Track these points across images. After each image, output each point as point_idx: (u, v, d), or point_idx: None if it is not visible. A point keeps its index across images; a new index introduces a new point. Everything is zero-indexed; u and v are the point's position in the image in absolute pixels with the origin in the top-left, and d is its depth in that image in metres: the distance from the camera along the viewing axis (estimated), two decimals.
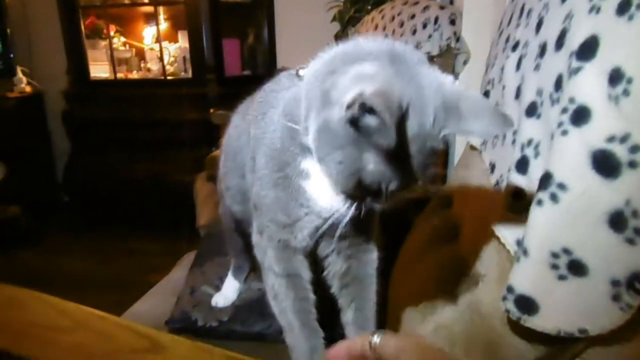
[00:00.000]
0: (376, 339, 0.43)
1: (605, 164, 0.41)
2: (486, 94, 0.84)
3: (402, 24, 1.71)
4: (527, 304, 0.45)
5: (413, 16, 1.66)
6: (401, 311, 0.72)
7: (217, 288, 0.92)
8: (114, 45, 2.85)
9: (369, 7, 2.31)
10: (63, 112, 2.89)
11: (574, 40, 0.48)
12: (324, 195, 0.51)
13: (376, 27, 1.93)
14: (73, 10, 2.74)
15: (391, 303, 0.76)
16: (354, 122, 0.40)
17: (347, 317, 0.59)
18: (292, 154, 0.50)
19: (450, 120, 0.43)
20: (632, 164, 0.39)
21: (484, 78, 0.92)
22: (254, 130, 0.57)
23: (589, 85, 0.43)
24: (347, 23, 2.45)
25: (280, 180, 0.52)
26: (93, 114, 2.79)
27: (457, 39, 1.55)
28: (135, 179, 2.69)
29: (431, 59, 1.56)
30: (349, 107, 0.39)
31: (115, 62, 2.82)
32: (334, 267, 0.59)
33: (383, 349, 0.42)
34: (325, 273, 0.60)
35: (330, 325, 0.58)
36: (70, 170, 2.92)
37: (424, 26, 1.58)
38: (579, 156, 0.42)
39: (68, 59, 2.82)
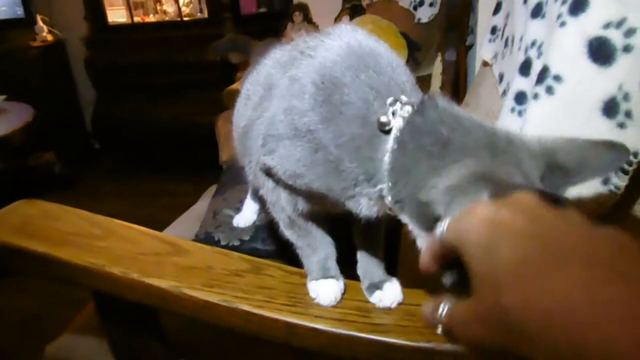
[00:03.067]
0: (441, 229, 0.34)
1: (600, 52, 0.41)
2: (498, 5, 0.82)
3: None
4: None
5: None
6: None
7: (238, 210, 0.96)
8: None
9: None
10: (85, 59, 2.93)
11: None
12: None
13: None
14: None
15: None
16: None
17: (356, 226, 0.60)
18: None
19: (559, 180, 0.36)
20: (626, 48, 0.39)
21: None
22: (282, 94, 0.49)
23: None
24: None
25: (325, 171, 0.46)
26: (114, 59, 2.82)
27: None
28: (159, 122, 2.75)
29: None
30: None
31: (131, 5, 2.80)
32: None
33: (449, 237, 0.33)
34: None
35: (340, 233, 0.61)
36: (97, 118, 3.00)
37: None
38: (575, 46, 0.42)
39: (85, 5, 2.82)
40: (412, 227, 0.40)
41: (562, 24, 0.44)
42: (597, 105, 0.41)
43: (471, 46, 1.68)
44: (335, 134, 0.43)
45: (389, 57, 0.45)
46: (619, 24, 0.39)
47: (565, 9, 0.44)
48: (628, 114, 0.39)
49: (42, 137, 2.63)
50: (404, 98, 0.41)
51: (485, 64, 0.88)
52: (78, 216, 0.62)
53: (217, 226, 0.95)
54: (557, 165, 0.35)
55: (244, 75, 0.86)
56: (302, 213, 0.54)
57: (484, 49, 0.84)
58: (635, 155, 0.39)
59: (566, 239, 0.26)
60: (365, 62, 0.43)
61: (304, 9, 2.61)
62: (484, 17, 1.56)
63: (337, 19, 2.70)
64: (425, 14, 1.56)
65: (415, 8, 1.60)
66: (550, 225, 0.27)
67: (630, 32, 0.39)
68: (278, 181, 0.53)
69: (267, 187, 0.57)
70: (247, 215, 0.94)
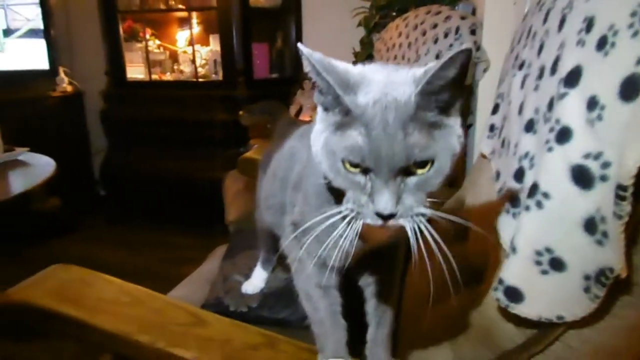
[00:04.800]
0: None
1: (581, 177, 0.48)
2: (496, 106, 0.92)
3: (424, 33, 1.78)
4: (514, 294, 0.53)
5: (435, 25, 1.73)
6: (413, 305, 0.80)
7: (247, 277, 1.01)
8: (149, 48, 3.00)
9: (394, 14, 2.38)
10: (101, 111, 3.06)
11: (564, 68, 0.55)
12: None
13: (400, 35, 2.01)
14: (112, 15, 2.90)
15: (405, 297, 0.84)
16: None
17: (369, 307, 0.66)
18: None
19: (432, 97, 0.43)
20: (603, 178, 0.46)
21: (496, 91, 0.99)
22: (305, 156, 0.60)
23: (571, 109, 0.51)
24: (372, 29, 2.52)
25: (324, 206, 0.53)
26: (129, 113, 2.95)
27: (478, 48, 1.62)
28: (167, 175, 2.83)
29: None
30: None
31: (150, 64, 2.96)
32: (362, 272, 0.65)
33: None
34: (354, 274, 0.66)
35: (354, 313, 0.66)
36: (106, 166, 3.09)
37: (445, 35, 1.65)
38: (561, 170, 0.50)
39: (107, 61, 2.98)
40: None
41: (550, 149, 0.52)
42: (579, 222, 0.48)
43: (471, 125, 1.80)
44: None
45: None
46: (597, 157, 0.47)
47: (552, 136, 0.52)
48: (604, 234, 0.46)
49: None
50: None
51: (483, 156, 0.97)
52: (109, 283, 0.68)
53: (227, 291, 0.99)
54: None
55: (265, 149, 0.95)
56: (331, 270, 0.60)
57: (483, 144, 0.92)
58: (611, 270, 0.45)
59: None
60: None
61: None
62: (483, 102, 1.68)
63: None
64: None
65: None
66: None
67: (606, 165, 0.46)
68: (305, 240, 0.58)
69: (294, 257, 0.63)
70: (255, 282, 0.99)
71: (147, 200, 2.99)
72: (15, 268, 1.16)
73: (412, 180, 0.44)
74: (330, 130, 0.46)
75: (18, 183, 1.52)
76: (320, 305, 0.61)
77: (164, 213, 2.95)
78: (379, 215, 0.43)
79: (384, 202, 0.42)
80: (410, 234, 0.44)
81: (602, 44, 0.49)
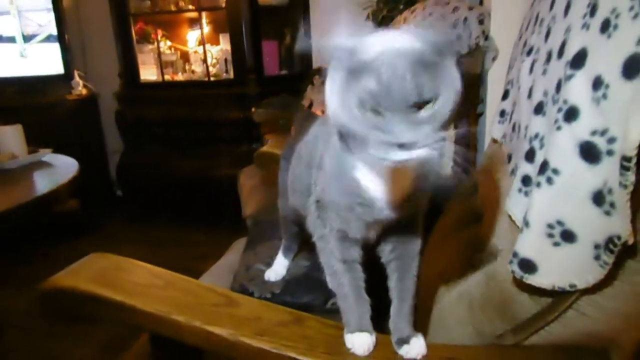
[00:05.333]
0: None
1: (589, 153, 0.51)
2: (506, 92, 0.94)
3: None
4: (528, 265, 0.56)
5: (443, 17, 1.75)
6: (432, 282, 0.84)
7: (269, 265, 1.05)
8: (161, 49, 3.05)
9: (401, 7, 2.40)
10: (115, 112, 3.12)
11: (570, 51, 0.58)
12: (373, 187, 0.57)
13: None
14: (124, 17, 2.95)
15: (423, 275, 0.87)
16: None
17: (392, 283, 0.69)
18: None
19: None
20: (609, 152, 0.49)
21: (506, 78, 1.02)
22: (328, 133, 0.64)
23: (578, 90, 0.54)
24: (380, 23, 2.54)
25: (340, 176, 0.59)
26: (143, 114, 3.01)
27: (486, 38, 1.63)
28: (182, 174, 2.89)
29: (461, 57, 1.65)
30: None
31: (162, 65, 3.02)
32: (384, 249, 0.69)
33: None
34: (376, 251, 0.70)
35: (378, 290, 0.70)
36: (122, 167, 3.15)
37: (454, 26, 1.67)
38: (569, 146, 0.53)
39: (120, 63, 3.04)
40: None
41: (559, 128, 0.55)
42: (587, 195, 0.51)
43: (481, 114, 1.82)
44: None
45: None
46: (603, 133, 0.50)
47: (560, 115, 0.55)
48: (612, 205, 0.49)
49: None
50: None
51: (494, 140, 1.00)
52: (142, 268, 0.72)
53: (250, 279, 1.04)
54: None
55: (286, 141, 0.99)
56: (353, 242, 0.64)
57: (494, 129, 0.95)
58: (618, 238, 0.48)
59: None
60: None
61: (324, 73, 2.80)
62: (492, 90, 1.70)
63: None
64: None
65: None
66: None
67: (611, 140, 0.49)
68: (327, 216, 0.64)
69: (319, 234, 0.67)
70: (277, 270, 1.03)
71: (162, 199, 3.05)
72: (41, 267, 1.21)
73: (424, 113, 0.47)
74: (344, 83, 0.50)
75: (44, 183, 1.58)
76: (345, 280, 0.64)
77: (179, 211, 3.01)
78: (401, 145, 0.46)
79: (403, 131, 0.46)
80: (436, 161, 0.48)
81: (605, 26, 0.52)
